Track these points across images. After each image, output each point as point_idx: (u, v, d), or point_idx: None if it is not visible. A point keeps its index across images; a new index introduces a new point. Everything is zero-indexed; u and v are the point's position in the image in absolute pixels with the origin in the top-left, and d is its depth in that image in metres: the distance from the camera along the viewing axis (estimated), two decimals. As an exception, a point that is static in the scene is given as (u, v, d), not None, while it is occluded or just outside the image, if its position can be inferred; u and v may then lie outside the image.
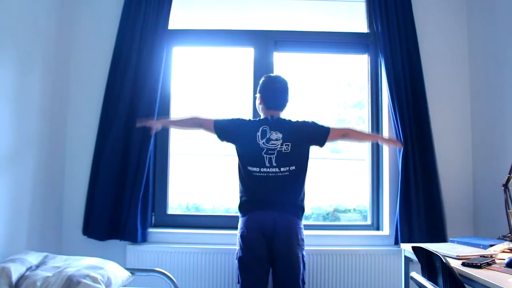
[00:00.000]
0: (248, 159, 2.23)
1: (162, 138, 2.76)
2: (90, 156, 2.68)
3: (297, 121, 2.30)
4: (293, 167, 2.20)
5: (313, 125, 2.30)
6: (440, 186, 2.62)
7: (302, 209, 2.26)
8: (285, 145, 2.20)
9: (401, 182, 2.58)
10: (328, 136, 2.28)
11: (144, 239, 2.60)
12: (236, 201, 2.31)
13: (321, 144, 2.30)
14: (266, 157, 2.19)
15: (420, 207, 2.57)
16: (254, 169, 2.20)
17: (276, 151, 2.19)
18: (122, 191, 2.56)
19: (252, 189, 2.23)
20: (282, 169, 2.19)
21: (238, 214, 2.29)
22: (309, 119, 2.32)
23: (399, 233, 2.55)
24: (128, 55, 2.63)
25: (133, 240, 2.53)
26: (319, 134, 2.29)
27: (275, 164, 2.19)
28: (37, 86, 2.38)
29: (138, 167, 2.56)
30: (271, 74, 2.47)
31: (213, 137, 2.31)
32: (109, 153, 2.57)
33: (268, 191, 2.20)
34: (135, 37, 2.63)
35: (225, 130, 2.29)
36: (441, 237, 2.54)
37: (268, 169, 2.19)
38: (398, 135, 2.60)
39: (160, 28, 2.65)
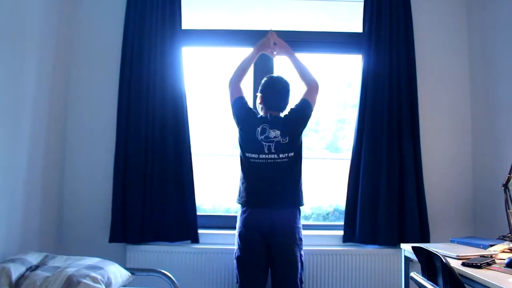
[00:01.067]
0: (247, 145, 2.27)
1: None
2: (92, 156, 2.71)
3: (286, 115, 2.33)
4: (292, 153, 2.24)
5: (299, 110, 2.34)
6: (424, 186, 2.63)
7: (300, 201, 2.28)
8: (283, 138, 2.24)
9: (367, 180, 2.61)
10: (312, 106, 2.35)
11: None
12: (235, 201, 2.32)
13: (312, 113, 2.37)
14: (265, 144, 2.23)
15: (392, 207, 2.58)
16: (253, 155, 2.24)
17: (274, 141, 2.24)
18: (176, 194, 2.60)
19: (251, 177, 2.26)
20: (281, 155, 2.23)
21: (238, 205, 2.31)
22: (290, 105, 2.37)
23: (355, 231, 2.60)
24: (143, 55, 2.65)
25: (197, 240, 2.61)
26: (307, 111, 2.34)
27: (273, 151, 2.23)
28: (33, 84, 2.34)
29: (183, 167, 2.60)
30: (273, 75, 2.47)
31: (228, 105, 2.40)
32: (135, 157, 2.58)
33: (267, 180, 2.23)
34: (151, 36, 2.66)
35: (238, 109, 2.35)
36: (419, 239, 2.54)
37: (267, 155, 2.22)
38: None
39: (176, 28, 2.69)
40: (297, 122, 2.31)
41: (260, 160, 2.23)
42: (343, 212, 2.69)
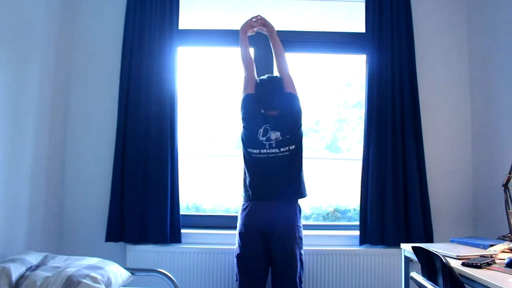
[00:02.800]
0: (249, 142, 2.29)
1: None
2: (92, 156, 2.71)
3: (282, 115, 2.32)
4: (293, 146, 2.27)
5: (292, 108, 2.33)
6: (428, 186, 2.62)
7: (302, 192, 2.28)
8: (284, 137, 2.26)
9: (375, 180, 2.61)
10: (298, 97, 2.36)
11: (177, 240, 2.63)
12: (235, 201, 2.32)
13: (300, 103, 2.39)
14: (266, 143, 2.26)
15: (397, 207, 2.58)
16: (254, 151, 2.26)
17: (275, 141, 2.26)
18: (152, 193, 2.58)
19: (253, 170, 2.28)
20: (282, 149, 2.25)
21: (239, 203, 2.32)
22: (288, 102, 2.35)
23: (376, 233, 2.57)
24: (141, 56, 2.65)
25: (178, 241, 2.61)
26: (298, 104, 2.35)
27: (274, 146, 2.25)
28: (36, 85, 2.35)
29: (161, 167, 2.59)
30: (263, 77, 2.45)
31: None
32: (132, 157, 2.59)
33: (268, 173, 2.24)
34: (146, 37, 2.66)
35: (245, 106, 2.36)
36: (423, 239, 2.54)
37: (268, 150, 2.25)
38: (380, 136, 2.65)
39: (172, 28, 2.69)
40: (294, 120, 2.32)
41: (261, 155, 2.25)
42: (343, 212, 2.70)
